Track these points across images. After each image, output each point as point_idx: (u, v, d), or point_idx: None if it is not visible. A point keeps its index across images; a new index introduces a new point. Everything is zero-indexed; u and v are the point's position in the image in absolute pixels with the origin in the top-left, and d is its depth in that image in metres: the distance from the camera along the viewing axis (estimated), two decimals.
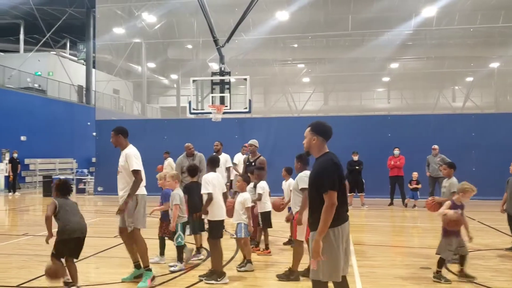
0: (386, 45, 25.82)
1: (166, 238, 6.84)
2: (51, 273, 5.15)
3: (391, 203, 14.30)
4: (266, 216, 7.43)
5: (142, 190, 5.77)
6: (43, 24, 26.32)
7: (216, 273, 5.83)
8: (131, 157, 5.75)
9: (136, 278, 5.78)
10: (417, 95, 33.90)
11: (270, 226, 7.56)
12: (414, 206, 13.82)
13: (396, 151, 14.18)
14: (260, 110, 33.62)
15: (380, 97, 36.50)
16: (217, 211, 5.98)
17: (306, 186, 5.56)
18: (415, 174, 14.09)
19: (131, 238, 5.76)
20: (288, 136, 16.80)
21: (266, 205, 7.38)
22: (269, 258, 7.23)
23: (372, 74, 31.46)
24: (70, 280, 5.26)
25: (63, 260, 5.27)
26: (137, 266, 5.87)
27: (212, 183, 6.02)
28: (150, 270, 5.69)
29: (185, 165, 8.51)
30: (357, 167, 13.89)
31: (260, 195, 7.29)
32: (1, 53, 30.38)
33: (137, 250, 5.77)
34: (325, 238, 3.59)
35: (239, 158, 10.91)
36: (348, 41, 28.61)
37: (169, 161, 14.54)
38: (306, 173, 5.93)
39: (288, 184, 7.18)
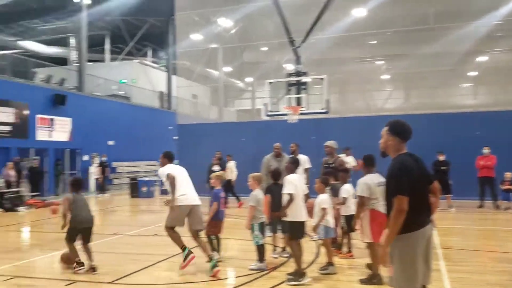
0: (471, 37, 24.27)
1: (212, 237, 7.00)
2: (65, 259, 6.55)
3: (481, 206, 13.37)
4: (350, 219, 7.22)
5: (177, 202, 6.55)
6: (127, 34, 27.80)
7: (298, 274, 5.83)
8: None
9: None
10: (509, 89, 31.49)
11: (353, 230, 7.33)
12: (508, 208, 12.82)
13: (486, 150, 13.24)
14: (337, 110, 32.97)
15: (466, 93, 34.37)
16: (297, 212, 5.96)
17: (361, 193, 5.57)
18: (508, 175, 13.09)
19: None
20: (367, 136, 16.33)
21: (350, 208, 7.17)
22: (352, 262, 7.02)
23: (456, 69, 29.74)
24: (81, 261, 6.40)
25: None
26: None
27: (294, 184, 6.01)
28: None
29: (272, 165, 8.53)
30: (443, 168, 13.11)
31: (344, 198, 7.06)
32: (89, 63, 32.57)
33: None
34: (399, 245, 3.35)
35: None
36: (430, 35, 27.25)
37: (231, 164, 14.83)
38: (367, 178, 5.88)
39: None
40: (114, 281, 6.02)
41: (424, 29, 25.64)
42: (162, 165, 6.96)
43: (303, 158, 9.72)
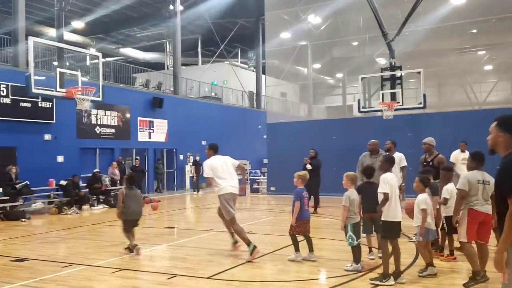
0: None
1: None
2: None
3: None
4: (451, 220, 6.73)
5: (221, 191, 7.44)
6: (217, 37, 28.61)
7: (383, 274, 5.65)
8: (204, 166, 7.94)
9: None
10: None
11: (455, 232, 6.82)
12: None
13: None
14: (434, 104, 31.20)
15: None
16: (391, 212, 5.74)
17: (460, 187, 5.39)
18: None
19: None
20: (468, 132, 15.24)
21: (451, 209, 6.67)
22: (456, 265, 6.55)
23: None
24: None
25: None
26: None
27: (390, 183, 5.77)
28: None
29: (365, 163, 8.32)
30: None
31: (445, 199, 6.58)
32: (183, 67, 34.06)
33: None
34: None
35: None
36: None
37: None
38: (470, 173, 5.68)
39: None
40: (211, 276, 6.18)
41: None
42: (208, 156, 7.83)
43: (399, 156, 9.26)
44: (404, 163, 9.55)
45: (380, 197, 5.80)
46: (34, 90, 10.23)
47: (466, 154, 10.34)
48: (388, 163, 6.07)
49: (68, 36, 24.44)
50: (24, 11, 17.19)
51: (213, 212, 15.09)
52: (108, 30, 30.50)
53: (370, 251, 7.10)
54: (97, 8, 25.62)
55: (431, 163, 8.24)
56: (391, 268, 5.73)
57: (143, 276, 6.46)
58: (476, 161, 5.72)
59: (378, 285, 5.58)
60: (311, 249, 6.97)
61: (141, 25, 30.47)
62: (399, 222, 5.81)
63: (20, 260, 7.50)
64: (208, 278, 6.12)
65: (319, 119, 29.85)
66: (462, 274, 6.02)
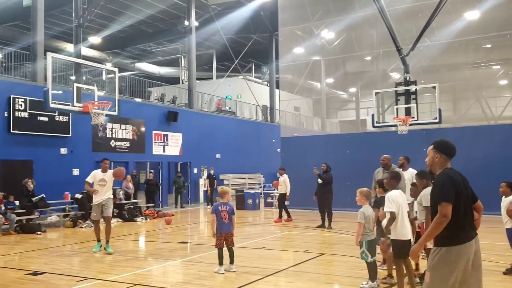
0: None
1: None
2: None
3: None
4: None
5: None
6: (232, 52, 28.88)
7: None
8: None
9: None
10: None
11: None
12: None
13: None
14: (449, 119, 30.94)
15: None
16: (400, 230, 5.71)
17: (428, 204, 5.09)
18: None
19: None
20: (484, 146, 15.08)
21: None
22: None
23: None
24: None
25: None
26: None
27: (397, 201, 5.71)
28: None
29: (377, 177, 8.42)
30: None
31: None
32: (198, 81, 34.39)
33: None
34: (440, 256, 3.48)
35: None
36: None
37: (285, 177, 14.91)
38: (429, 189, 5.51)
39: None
40: None
41: None
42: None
43: (411, 172, 9.05)
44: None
45: (386, 217, 5.76)
46: (51, 105, 10.39)
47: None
48: (394, 180, 6.00)
49: (85, 51, 24.88)
50: (43, 27, 17.57)
51: None
52: (124, 45, 30.98)
53: (384, 262, 7.09)
54: (114, 23, 26.08)
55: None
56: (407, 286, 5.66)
57: None
58: (425, 179, 5.86)
59: None
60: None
61: (157, 40, 30.90)
62: (409, 240, 5.75)
63: (35, 273, 7.56)
64: None
65: (332, 134, 29.78)
66: None
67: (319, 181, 12.76)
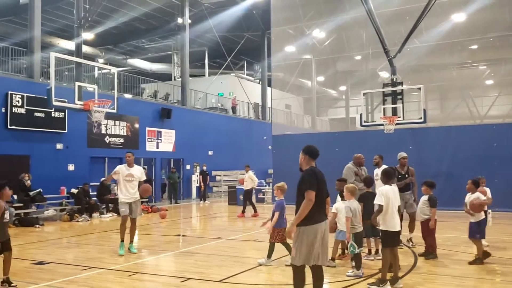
0: None
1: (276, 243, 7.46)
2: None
3: None
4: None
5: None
6: (224, 49, 29.23)
7: (380, 279, 6.11)
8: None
9: None
10: None
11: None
12: None
13: None
14: (436, 117, 31.78)
15: None
16: (389, 222, 6.18)
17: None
18: None
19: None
20: (468, 146, 15.68)
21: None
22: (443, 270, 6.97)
23: None
24: None
25: None
26: None
27: (387, 195, 6.19)
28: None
29: (358, 173, 9.23)
30: None
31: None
32: (190, 78, 34.73)
33: None
34: (304, 233, 4.74)
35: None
36: None
37: (250, 174, 15.88)
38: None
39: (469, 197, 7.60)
40: (222, 280, 6.62)
41: None
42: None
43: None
44: None
45: (375, 208, 6.30)
46: (54, 103, 10.75)
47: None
48: (387, 176, 6.50)
49: (73, 45, 24.97)
50: (40, 23, 17.78)
51: (221, 220, 15.62)
52: (116, 41, 31.17)
53: (370, 253, 7.79)
54: (107, 20, 26.27)
55: (406, 175, 9.14)
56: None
57: (158, 279, 6.89)
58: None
59: None
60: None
61: (149, 37, 31.12)
62: (398, 232, 6.24)
63: (40, 263, 7.96)
64: (219, 281, 6.56)
65: (322, 132, 30.35)
66: (446, 279, 6.42)
67: None
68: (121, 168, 8.81)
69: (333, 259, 7.33)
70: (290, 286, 6.28)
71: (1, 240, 6.21)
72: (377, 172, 9.66)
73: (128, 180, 8.73)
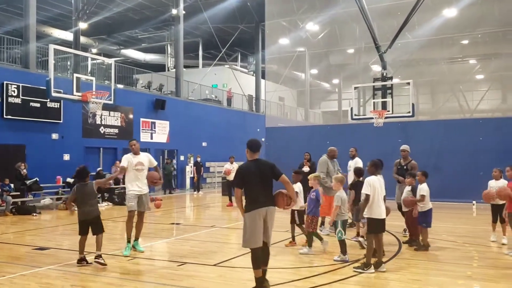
0: None
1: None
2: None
3: None
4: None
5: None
6: (218, 40, 29.40)
7: (365, 263, 6.49)
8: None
9: None
10: None
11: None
12: None
13: None
14: (427, 111, 32.31)
15: None
16: (374, 210, 6.56)
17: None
18: None
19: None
20: (456, 139, 16.10)
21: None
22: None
23: None
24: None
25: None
26: None
27: (373, 185, 6.58)
28: None
29: (329, 166, 9.99)
30: None
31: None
32: (184, 69, 34.89)
33: None
34: (246, 219, 5.32)
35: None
36: None
37: (234, 165, 16.31)
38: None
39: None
40: (217, 264, 6.98)
41: None
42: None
43: (359, 161, 10.44)
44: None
45: (362, 197, 6.70)
46: (54, 94, 10.98)
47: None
48: (374, 167, 6.86)
49: (71, 36, 25.07)
50: (35, 13, 17.86)
51: (214, 210, 15.96)
52: (110, 32, 31.22)
53: (357, 235, 8.39)
54: (101, 10, 26.33)
55: (405, 167, 9.37)
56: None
57: (155, 263, 7.23)
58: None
59: (360, 273, 6.40)
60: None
61: (143, 28, 31.19)
62: (383, 219, 6.62)
63: (41, 248, 8.27)
64: (214, 265, 6.91)
65: (315, 125, 30.73)
66: (435, 264, 6.83)
67: (306, 169, 13.52)
68: (128, 158, 7.92)
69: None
70: (283, 269, 6.68)
71: None
72: (350, 163, 10.64)
73: (139, 169, 7.86)
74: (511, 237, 8.45)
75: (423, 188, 7.89)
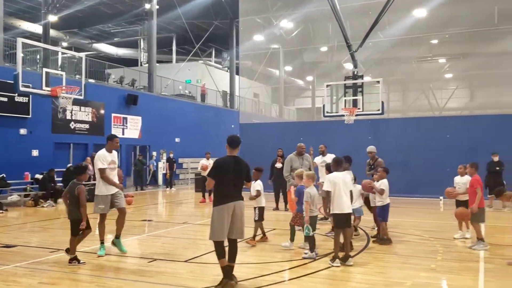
0: None
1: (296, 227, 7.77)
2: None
3: None
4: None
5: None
6: (192, 36, 29.23)
7: (333, 257, 6.70)
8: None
9: None
10: None
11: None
12: None
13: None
14: (397, 109, 32.93)
15: None
16: (337, 205, 6.75)
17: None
18: None
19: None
20: (425, 136, 16.51)
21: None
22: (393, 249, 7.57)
23: None
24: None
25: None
26: None
27: (334, 182, 6.77)
28: None
29: (294, 164, 10.23)
30: (497, 168, 13.26)
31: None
32: (157, 64, 34.54)
33: None
34: (214, 212, 5.55)
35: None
36: (494, 33, 26.57)
37: (210, 161, 16.30)
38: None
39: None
40: (188, 260, 7.00)
41: (488, 29, 25.08)
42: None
43: (331, 157, 10.62)
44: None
45: (322, 195, 6.89)
46: (22, 88, 10.75)
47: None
48: (336, 164, 7.05)
49: (40, 29, 24.49)
50: (2, 4, 17.35)
51: (187, 207, 15.91)
52: (81, 25, 30.65)
53: (332, 230, 8.14)
54: (72, 3, 25.81)
55: (373, 166, 9.88)
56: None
57: (126, 260, 7.20)
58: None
59: (329, 266, 6.55)
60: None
61: (116, 22, 30.73)
62: (347, 214, 6.77)
63: (8, 246, 8.11)
64: (185, 261, 6.94)
65: (289, 121, 30.94)
66: (395, 257, 7.03)
67: (278, 165, 13.60)
68: (103, 156, 7.43)
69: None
70: (253, 264, 6.75)
71: None
72: (318, 159, 10.90)
73: (113, 168, 7.50)
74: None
75: (384, 183, 8.15)
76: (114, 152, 7.69)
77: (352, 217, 8.33)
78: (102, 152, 7.50)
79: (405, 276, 6.14)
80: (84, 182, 7.10)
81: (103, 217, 7.58)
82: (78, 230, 6.83)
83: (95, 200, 7.40)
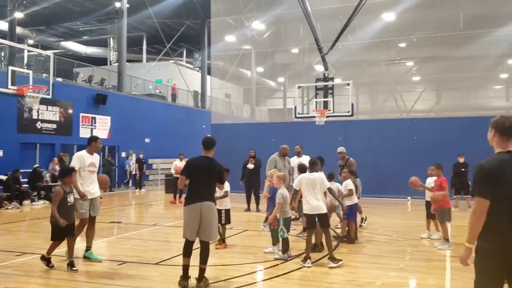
0: (502, 41, 24.32)
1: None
2: None
3: None
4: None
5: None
6: (163, 36, 28.93)
7: (305, 257, 6.79)
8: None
9: None
10: None
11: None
12: None
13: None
14: (367, 111, 33.51)
15: (498, 95, 34.13)
16: (304, 205, 6.93)
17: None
18: None
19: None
20: (394, 138, 16.86)
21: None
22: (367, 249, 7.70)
23: (488, 72, 29.69)
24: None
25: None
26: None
27: (301, 182, 6.96)
28: None
29: (279, 164, 10.37)
30: (462, 169, 13.67)
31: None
32: (127, 63, 34.01)
33: None
34: (184, 210, 5.60)
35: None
36: (460, 37, 27.41)
37: (183, 163, 16.01)
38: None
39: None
40: (158, 262, 6.93)
41: (454, 33, 25.84)
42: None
43: (306, 158, 10.76)
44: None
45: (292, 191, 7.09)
46: None
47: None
48: (310, 165, 7.17)
49: (6, 26, 23.76)
50: None
51: (157, 208, 15.74)
52: (49, 23, 29.92)
53: (304, 230, 8.45)
54: (39, 0, 25.17)
55: (344, 166, 10.04)
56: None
57: (95, 263, 7.05)
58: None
59: (301, 267, 6.63)
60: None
61: (85, 20, 30.13)
62: (314, 215, 6.85)
63: None
64: (156, 264, 6.86)
65: (260, 122, 31.02)
66: (367, 257, 7.15)
67: (250, 166, 13.60)
68: (83, 156, 7.07)
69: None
70: (223, 266, 6.74)
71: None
72: (294, 160, 10.91)
73: (92, 171, 7.10)
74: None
75: (350, 184, 8.40)
76: (96, 155, 7.32)
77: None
78: (82, 152, 7.15)
79: (375, 275, 6.26)
80: (49, 183, 6.89)
81: (84, 223, 7.09)
82: (57, 234, 6.53)
83: (75, 203, 6.83)
